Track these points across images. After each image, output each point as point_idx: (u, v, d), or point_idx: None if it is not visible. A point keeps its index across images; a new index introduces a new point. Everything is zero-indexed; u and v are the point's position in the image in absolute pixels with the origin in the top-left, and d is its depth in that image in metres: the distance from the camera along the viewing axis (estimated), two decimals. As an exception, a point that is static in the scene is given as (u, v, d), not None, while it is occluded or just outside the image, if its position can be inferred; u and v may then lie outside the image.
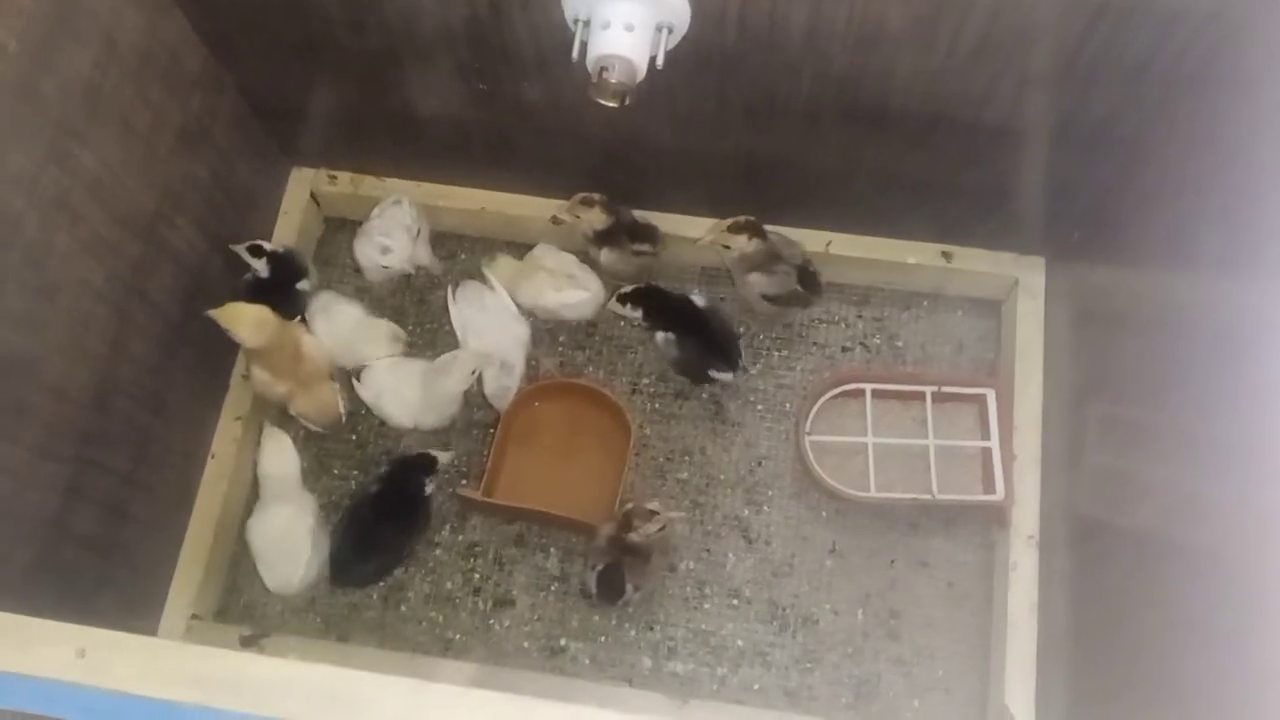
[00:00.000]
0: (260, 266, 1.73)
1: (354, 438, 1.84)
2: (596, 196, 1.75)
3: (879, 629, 1.71)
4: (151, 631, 1.65)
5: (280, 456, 1.75)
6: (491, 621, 1.73)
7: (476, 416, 1.83)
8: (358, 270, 1.85)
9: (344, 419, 1.78)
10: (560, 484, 1.77)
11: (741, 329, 1.86)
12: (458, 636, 1.72)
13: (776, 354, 1.86)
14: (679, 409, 1.84)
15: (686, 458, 1.81)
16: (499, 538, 1.78)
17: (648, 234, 1.79)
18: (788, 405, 1.83)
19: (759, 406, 1.83)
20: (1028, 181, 1.58)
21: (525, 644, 1.72)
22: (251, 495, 1.78)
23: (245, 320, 1.59)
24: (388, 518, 1.70)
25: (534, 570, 1.76)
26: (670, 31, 1.29)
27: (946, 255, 1.80)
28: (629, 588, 1.59)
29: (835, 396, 1.79)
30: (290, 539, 1.69)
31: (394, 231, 1.81)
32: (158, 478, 1.62)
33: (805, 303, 1.79)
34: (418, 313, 1.92)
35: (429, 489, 1.71)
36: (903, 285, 1.87)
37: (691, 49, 1.33)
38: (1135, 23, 1.21)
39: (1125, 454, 1.39)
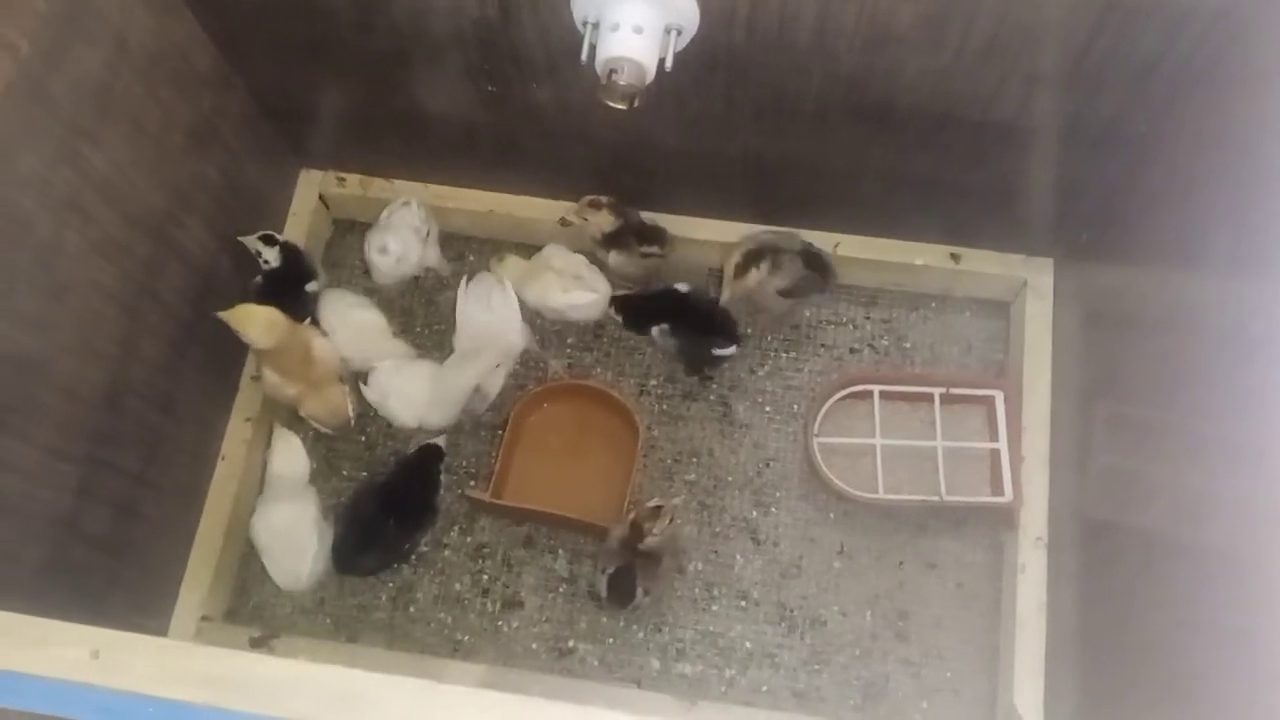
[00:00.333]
0: (272, 256, 1.74)
1: (363, 439, 1.85)
2: (604, 199, 1.76)
3: (887, 630, 1.71)
4: (162, 632, 1.65)
5: (290, 457, 1.76)
6: (500, 623, 1.73)
7: (485, 417, 1.83)
8: (366, 272, 1.86)
9: (353, 421, 1.78)
10: (569, 485, 1.78)
11: (748, 330, 1.86)
12: (466, 638, 1.73)
13: (784, 355, 1.86)
14: (687, 410, 1.84)
15: (695, 459, 1.81)
16: (507, 539, 1.78)
17: (656, 236, 1.79)
18: (796, 407, 1.83)
19: (767, 408, 1.83)
20: (1036, 182, 1.58)
21: (534, 645, 1.72)
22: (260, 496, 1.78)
23: (256, 322, 1.59)
24: (396, 510, 1.71)
25: (542, 571, 1.76)
26: (679, 33, 1.29)
27: (955, 256, 1.80)
28: (639, 591, 1.59)
29: (843, 398, 1.79)
30: (295, 533, 1.70)
31: (401, 232, 1.81)
32: (168, 478, 1.62)
33: (820, 286, 1.78)
34: (426, 314, 1.92)
35: (442, 477, 1.74)
36: (911, 286, 1.87)
37: (700, 50, 1.34)
38: (1143, 22, 1.21)
39: (1134, 455, 1.38)
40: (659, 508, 1.61)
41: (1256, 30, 1.13)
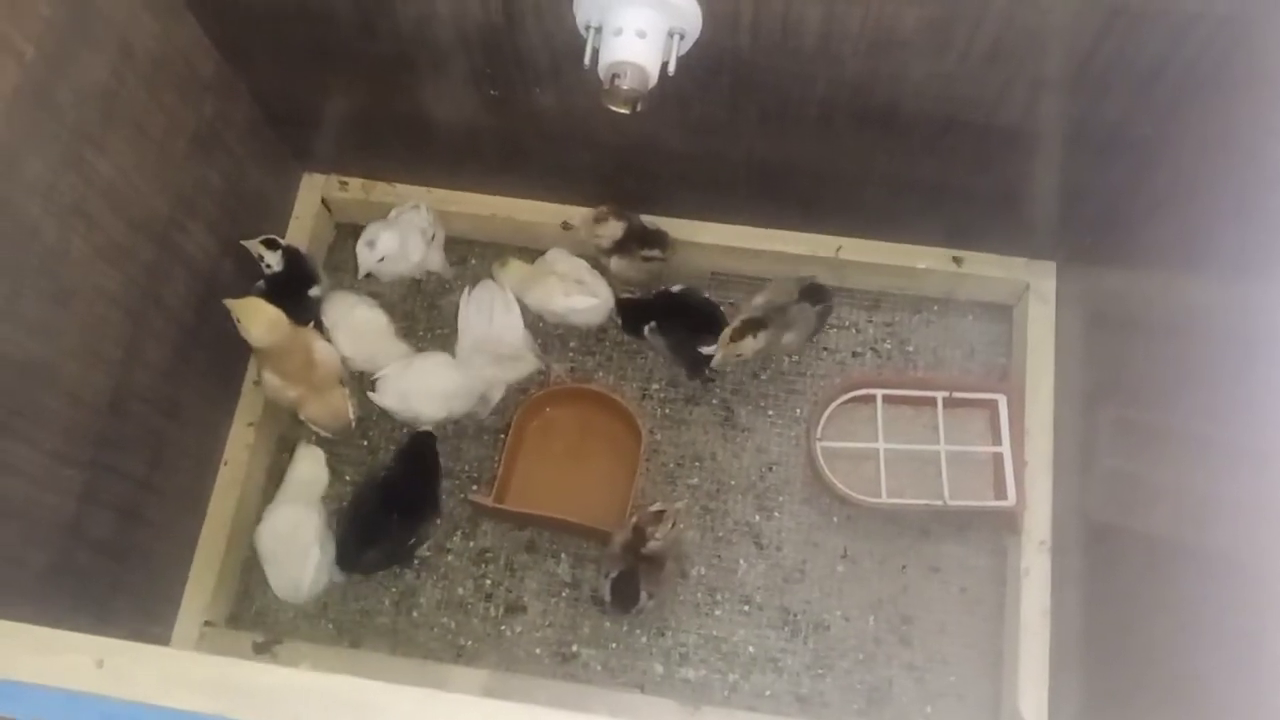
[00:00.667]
0: (275, 260, 1.74)
1: (365, 443, 1.85)
2: (606, 208, 1.76)
3: (891, 635, 1.71)
4: (165, 637, 1.65)
5: (313, 465, 1.78)
6: (503, 627, 1.73)
7: (487, 422, 1.83)
8: (369, 275, 1.85)
9: (354, 424, 1.78)
10: (571, 490, 1.77)
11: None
12: (469, 643, 1.73)
13: (787, 360, 1.86)
14: (689, 414, 1.84)
15: (697, 463, 1.81)
16: (510, 544, 1.78)
17: (657, 240, 1.80)
18: (798, 411, 1.83)
19: (770, 412, 1.83)
20: (1040, 186, 1.58)
21: (537, 650, 1.72)
22: (264, 501, 1.78)
23: (261, 317, 1.59)
24: (397, 503, 1.72)
25: (545, 576, 1.76)
26: (682, 38, 1.29)
27: (957, 260, 1.80)
28: (643, 596, 1.59)
29: (846, 402, 1.79)
30: (299, 541, 1.70)
31: (400, 232, 1.81)
32: (171, 483, 1.62)
33: (827, 316, 1.78)
34: (428, 317, 1.92)
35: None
36: (913, 290, 1.87)
37: (703, 55, 1.33)
38: (1149, 26, 1.21)
39: (1137, 458, 1.38)
40: (661, 512, 1.61)
41: (1261, 35, 1.13)
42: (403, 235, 1.80)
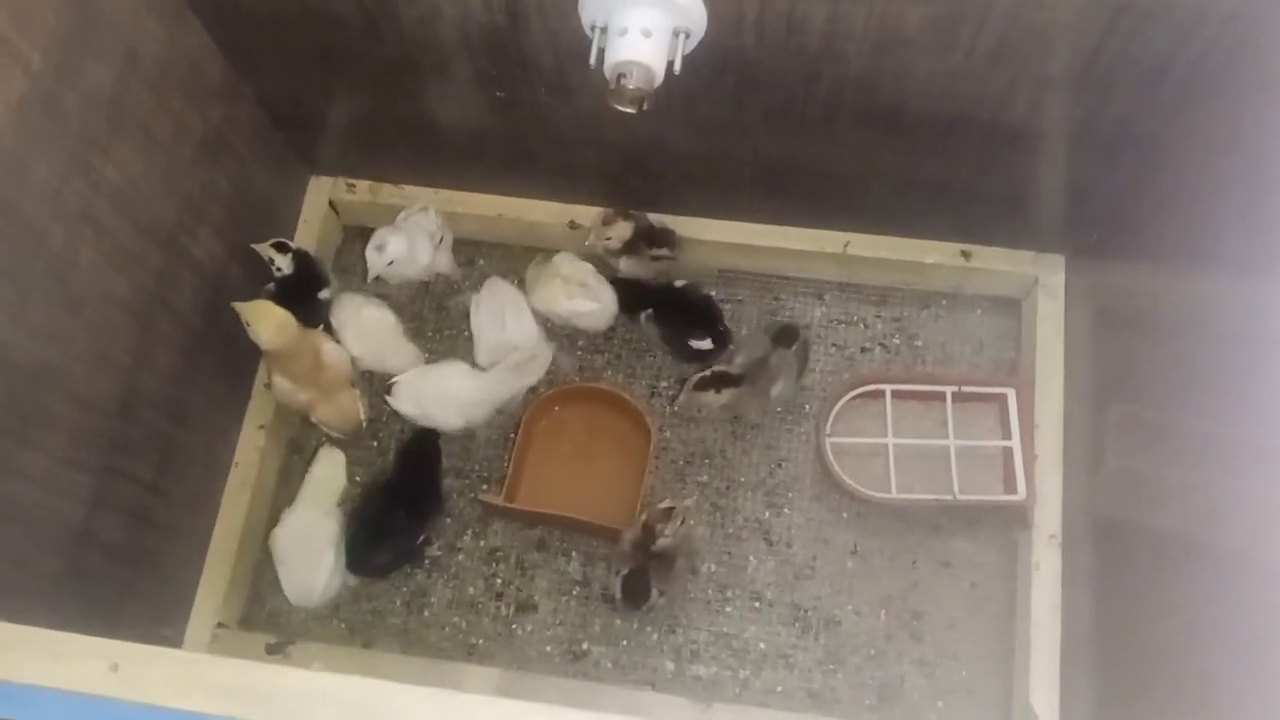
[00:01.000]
0: (285, 263, 1.74)
1: (375, 444, 1.85)
2: (613, 210, 1.77)
3: (901, 630, 1.71)
4: (178, 640, 1.66)
5: (332, 467, 1.79)
6: (514, 626, 1.74)
7: (496, 421, 1.83)
8: (378, 277, 1.86)
9: (365, 425, 1.79)
10: (581, 488, 1.78)
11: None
12: (480, 641, 1.73)
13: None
14: (698, 412, 1.84)
15: (706, 460, 1.81)
16: (520, 543, 1.78)
17: (665, 239, 1.80)
18: (807, 407, 1.83)
19: (778, 408, 1.83)
20: (1045, 184, 1.58)
21: (548, 648, 1.72)
22: (275, 504, 1.79)
23: (270, 320, 1.60)
24: (403, 501, 1.73)
25: (555, 575, 1.76)
26: (687, 36, 1.29)
27: (965, 254, 1.80)
28: (654, 593, 1.59)
29: (855, 398, 1.79)
30: (313, 543, 1.71)
31: (409, 235, 1.81)
32: (182, 486, 1.63)
33: (805, 357, 1.79)
34: (437, 319, 1.92)
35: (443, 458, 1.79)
36: (921, 285, 1.87)
37: (709, 54, 1.33)
38: (1154, 24, 1.21)
39: (1147, 453, 1.38)
40: (671, 509, 1.62)
41: (1267, 32, 1.12)
42: (411, 239, 1.81)
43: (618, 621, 1.73)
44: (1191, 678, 1.15)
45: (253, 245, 1.72)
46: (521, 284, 1.88)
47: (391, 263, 1.80)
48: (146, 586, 1.58)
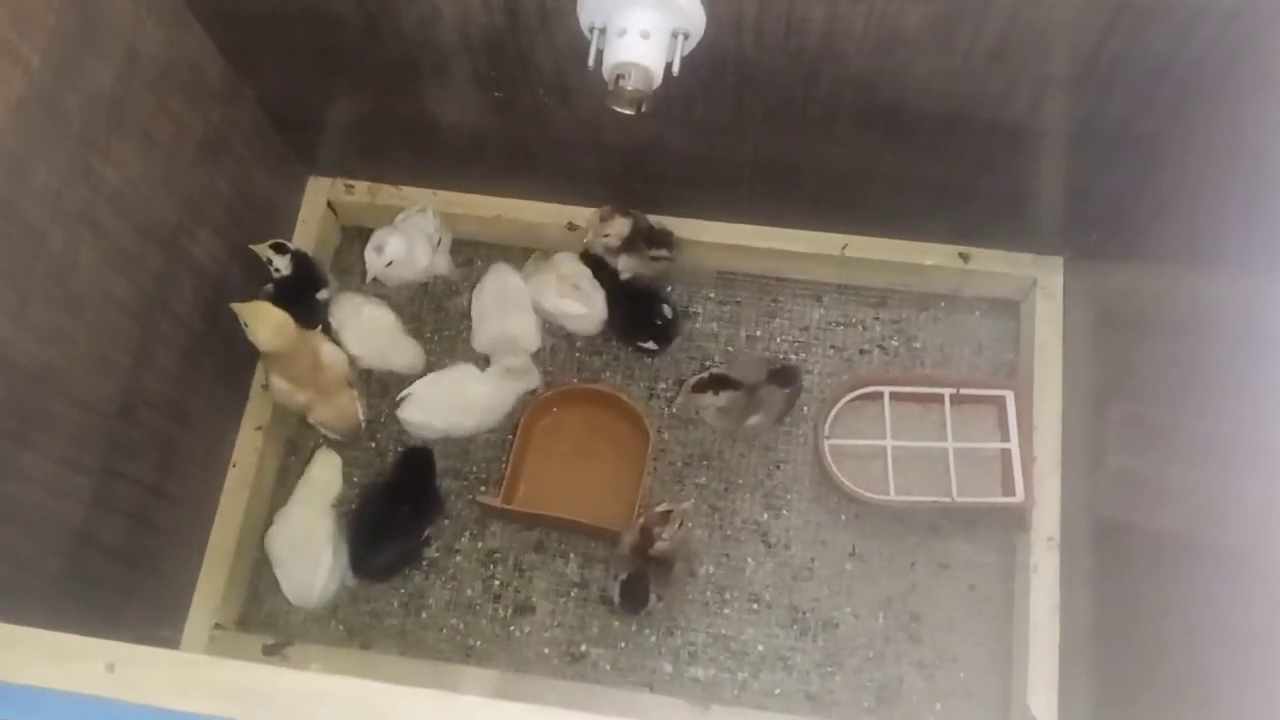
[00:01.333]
0: (284, 264, 1.74)
1: (373, 445, 1.85)
2: (610, 206, 1.77)
3: (900, 632, 1.71)
4: (176, 641, 1.66)
5: (328, 469, 1.78)
6: (512, 628, 1.73)
7: (495, 424, 1.83)
8: (376, 279, 1.86)
9: (363, 426, 1.79)
10: (579, 490, 1.78)
11: (759, 331, 1.87)
12: (478, 643, 1.73)
13: (794, 358, 1.86)
14: (696, 413, 1.84)
15: (705, 462, 1.81)
16: (519, 544, 1.78)
17: (664, 239, 1.80)
18: (806, 409, 1.83)
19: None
20: (1046, 183, 1.58)
21: (546, 650, 1.72)
22: (273, 504, 1.79)
23: (268, 321, 1.60)
24: (403, 501, 1.74)
25: (554, 576, 1.76)
26: (686, 38, 1.29)
27: (964, 256, 1.80)
28: (652, 597, 1.59)
29: (853, 400, 1.79)
30: (311, 544, 1.71)
31: (407, 236, 1.81)
32: (181, 487, 1.63)
33: (796, 396, 1.78)
34: (435, 320, 1.92)
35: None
36: (920, 287, 1.87)
37: (708, 55, 1.33)
38: (1155, 24, 1.21)
39: (1146, 454, 1.38)
40: (668, 512, 1.62)
41: (1268, 32, 1.12)
42: (410, 240, 1.81)
43: (616, 623, 1.73)
44: (1191, 678, 1.15)
45: (251, 246, 1.72)
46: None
47: (390, 263, 1.79)
48: (145, 587, 1.58)
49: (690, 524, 1.69)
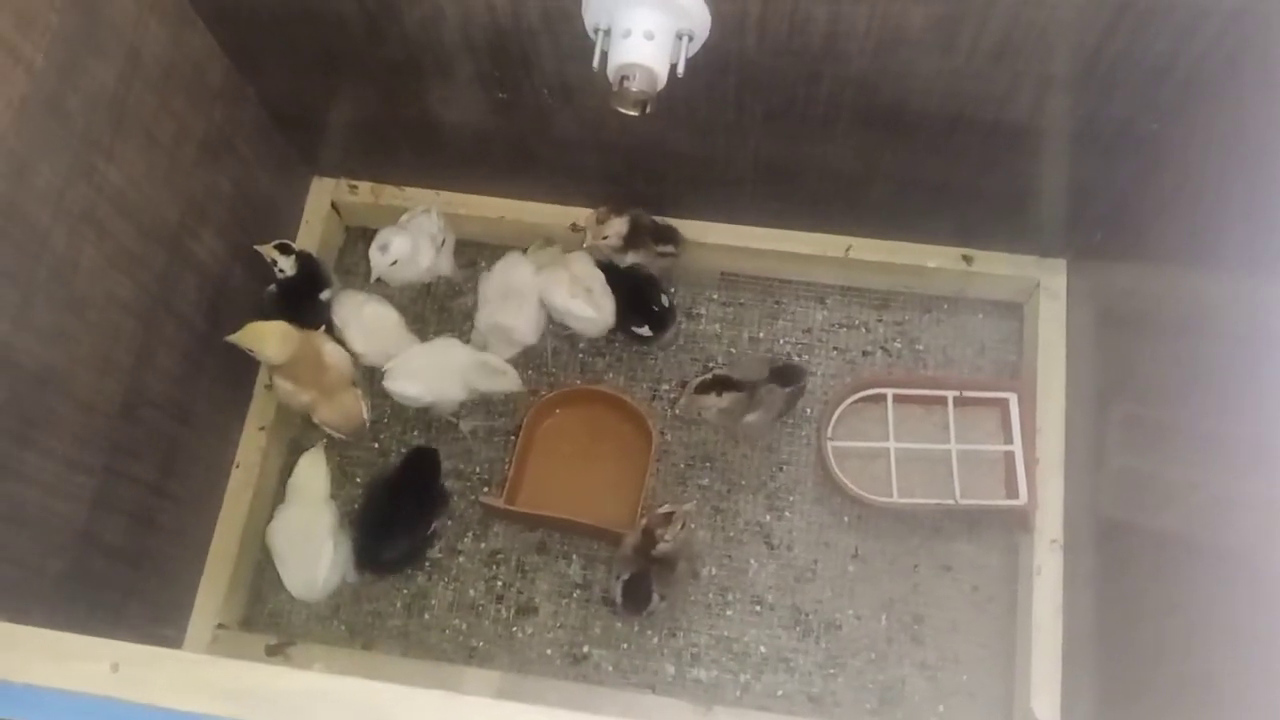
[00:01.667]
0: (288, 265, 1.74)
1: (376, 445, 1.85)
2: (605, 207, 1.77)
3: (903, 634, 1.70)
4: (178, 641, 1.66)
5: (312, 471, 1.77)
6: (514, 629, 1.73)
7: (497, 424, 1.83)
8: (379, 279, 1.86)
9: (367, 425, 1.79)
10: (582, 491, 1.78)
11: (761, 333, 1.87)
12: (481, 644, 1.73)
13: (797, 359, 1.86)
14: (699, 415, 1.83)
15: (707, 464, 1.81)
16: (521, 545, 1.78)
17: (669, 235, 1.80)
18: (809, 410, 1.83)
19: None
20: (1048, 183, 1.58)
21: (548, 651, 1.72)
22: (276, 505, 1.78)
23: (269, 338, 1.60)
24: (408, 496, 1.74)
25: (556, 577, 1.76)
26: (690, 39, 1.29)
27: (967, 258, 1.80)
28: (655, 598, 1.59)
29: (856, 401, 1.79)
30: (311, 539, 1.70)
31: (412, 236, 1.81)
32: (184, 488, 1.63)
33: (799, 394, 1.77)
34: (438, 320, 1.92)
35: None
36: (923, 289, 1.87)
37: (711, 56, 1.33)
38: (1156, 22, 1.21)
39: (1149, 455, 1.38)
40: (671, 514, 1.61)
41: (1270, 32, 1.12)
42: (414, 240, 1.81)
43: (618, 624, 1.73)
44: (1194, 679, 1.15)
45: (256, 247, 1.72)
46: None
47: (395, 263, 1.79)
48: (148, 588, 1.58)
49: (693, 525, 1.69)
